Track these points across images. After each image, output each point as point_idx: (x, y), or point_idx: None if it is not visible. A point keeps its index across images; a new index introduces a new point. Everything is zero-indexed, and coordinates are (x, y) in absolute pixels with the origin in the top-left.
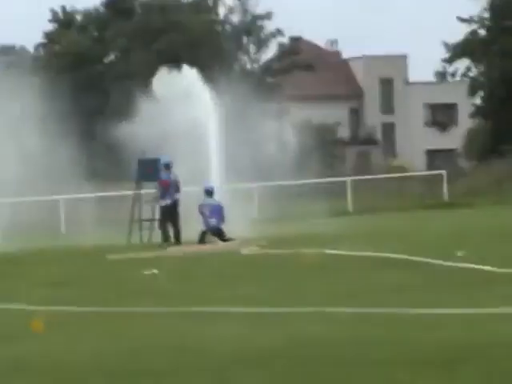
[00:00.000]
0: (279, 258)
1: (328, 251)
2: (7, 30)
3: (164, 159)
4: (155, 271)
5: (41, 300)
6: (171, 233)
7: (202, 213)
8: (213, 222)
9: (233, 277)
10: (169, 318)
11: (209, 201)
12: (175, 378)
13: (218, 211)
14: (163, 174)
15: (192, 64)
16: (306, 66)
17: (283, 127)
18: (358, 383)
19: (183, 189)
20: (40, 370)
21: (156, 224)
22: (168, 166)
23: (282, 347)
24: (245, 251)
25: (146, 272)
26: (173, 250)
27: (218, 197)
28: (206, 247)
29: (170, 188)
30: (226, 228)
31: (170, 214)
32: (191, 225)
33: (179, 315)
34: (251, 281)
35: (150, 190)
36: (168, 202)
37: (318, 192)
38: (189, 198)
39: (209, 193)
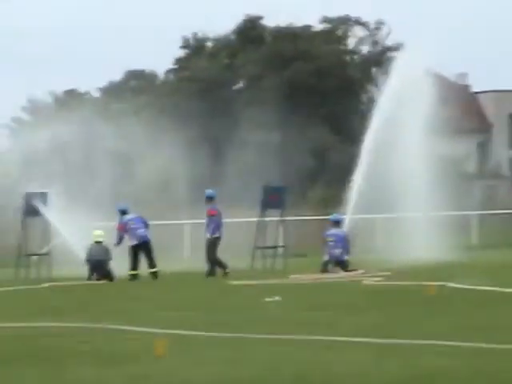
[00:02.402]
0: (402, 290)
1: (451, 284)
2: (138, 55)
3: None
4: (278, 298)
5: (165, 323)
6: None
7: (326, 242)
8: (336, 252)
9: (353, 307)
10: (290, 346)
11: (334, 231)
12: None
13: (343, 241)
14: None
15: (319, 93)
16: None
17: (412, 159)
18: None
19: None
20: None
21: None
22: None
23: (406, 380)
24: (367, 282)
25: (268, 299)
26: (295, 278)
27: (345, 228)
28: (328, 276)
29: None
30: (351, 258)
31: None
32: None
33: (301, 343)
34: (372, 311)
35: (274, 217)
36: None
37: (442, 225)
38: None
39: (336, 223)
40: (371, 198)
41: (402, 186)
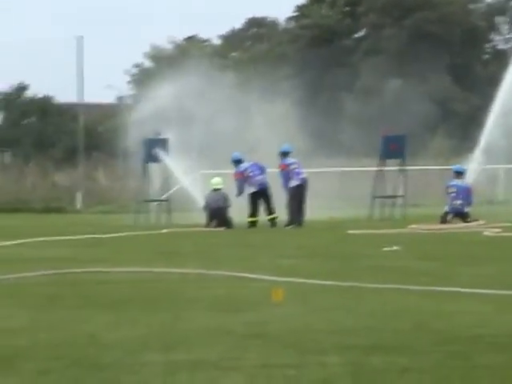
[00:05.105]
0: None
1: None
2: (260, 2)
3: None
4: (396, 248)
5: (282, 270)
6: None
7: (448, 193)
8: (457, 203)
9: (474, 257)
10: (408, 296)
11: (457, 182)
12: (409, 356)
13: (466, 193)
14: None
15: (441, 42)
16: None
17: None
18: None
19: None
20: (278, 336)
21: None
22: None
23: None
24: (488, 233)
25: (386, 248)
26: (414, 228)
27: (468, 178)
28: (448, 226)
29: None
30: (472, 210)
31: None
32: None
33: (420, 293)
34: (493, 263)
35: (393, 167)
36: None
37: None
38: None
39: (458, 174)
40: (500, 147)
41: None
